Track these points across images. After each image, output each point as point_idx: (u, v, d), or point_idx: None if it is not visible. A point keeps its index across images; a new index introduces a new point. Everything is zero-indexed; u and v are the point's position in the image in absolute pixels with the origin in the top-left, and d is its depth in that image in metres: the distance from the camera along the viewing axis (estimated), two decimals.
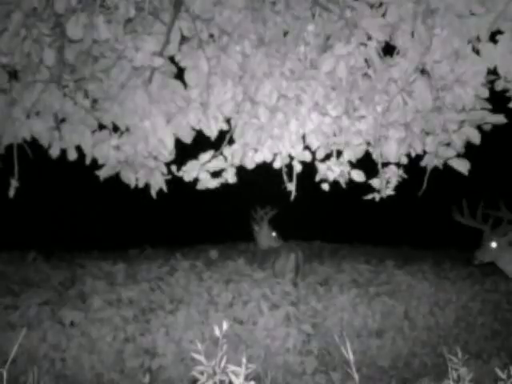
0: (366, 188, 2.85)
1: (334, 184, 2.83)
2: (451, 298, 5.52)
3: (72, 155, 2.77)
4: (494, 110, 2.64)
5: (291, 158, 2.84)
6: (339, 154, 2.85)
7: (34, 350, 4.12)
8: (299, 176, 2.84)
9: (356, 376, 2.14)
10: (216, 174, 2.81)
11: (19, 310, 4.47)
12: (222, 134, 2.80)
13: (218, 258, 7.01)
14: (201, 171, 2.76)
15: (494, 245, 5.15)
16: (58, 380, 4.05)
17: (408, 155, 2.85)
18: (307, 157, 2.83)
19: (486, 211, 5.34)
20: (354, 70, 2.65)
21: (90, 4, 2.44)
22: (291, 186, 2.83)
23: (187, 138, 2.77)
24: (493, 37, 2.46)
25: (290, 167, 2.84)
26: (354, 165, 2.85)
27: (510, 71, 2.46)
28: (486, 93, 2.58)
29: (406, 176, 2.86)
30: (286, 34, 2.73)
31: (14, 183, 2.67)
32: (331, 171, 2.78)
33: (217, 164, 2.78)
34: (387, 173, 2.84)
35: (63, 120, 2.74)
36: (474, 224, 5.32)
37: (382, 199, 2.87)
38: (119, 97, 2.65)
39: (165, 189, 2.82)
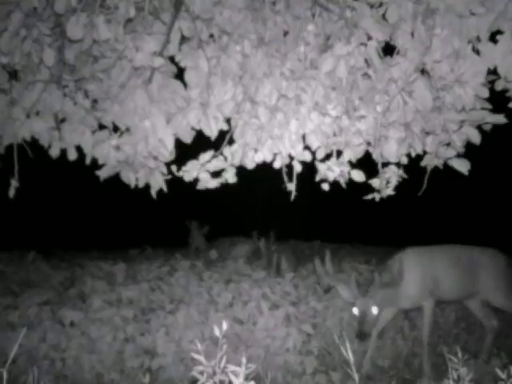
0: (366, 188, 2.85)
1: (334, 184, 2.83)
2: None
3: (72, 155, 2.77)
4: (494, 110, 2.63)
5: (291, 158, 2.84)
6: (339, 153, 2.85)
7: (34, 349, 4.12)
8: (299, 176, 2.83)
9: (356, 376, 2.14)
10: (216, 174, 2.81)
11: (19, 309, 4.47)
12: (222, 134, 2.80)
13: (217, 258, 7.02)
14: (201, 171, 2.76)
15: (374, 311, 4.26)
16: (58, 380, 4.05)
17: (408, 155, 2.86)
18: (307, 157, 2.83)
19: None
20: (354, 69, 2.65)
21: (90, 4, 2.44)
22: (291, 186, 2.83)
23: (187, 138, 2.77)
24: (493, 37, 2.46)
25: (290, 167, 2.84)
26: (354, 165, 2.85)
27: (510, 71, 2.46)
28: (486, 93, 2.58)
29: (406, 176, 2.86)
30: (286, 34, 2.73)
31: (14, 183, 2.67)
32: (331, 171, 2.77)
33: (217, 164, 2.78)
34: (387, 173, 2.84)
35: (63, 120, 2.74)
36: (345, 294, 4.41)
37: (382, 199, 2.87)
38: (119, 97, 2.65)
39: (165, 189, 2.82)
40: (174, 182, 2.82)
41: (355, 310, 4.28)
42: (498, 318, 4.84)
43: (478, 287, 4.73)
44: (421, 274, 4.55)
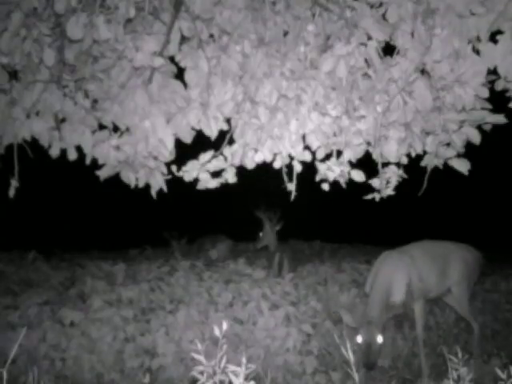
0: (366, 188, 2.85)
1: (334, 184, 2.83)
2: None
3: (72, 155, 2.77)
4: (494, 110, 2.63)
5: (291, 157, 2.84)
6: (339, 153, 2.85)
7: (34, 350, 4.12)
8: (299, 176, 2.83)
9: (356, 376, 2.15)
10: (216, 174, 2.81)
11: (19, 310, 4.48)
12: (222, 134, 2.80)
13: (217, 258, 7.03)
14: (201, 171, 2.76)
15: (380, 340, 4.11)
16: (58, 380, 4.05)
17: (408, 155, 2.86)
18: (307, 157, 2.83)
19: None
20: (354, 69, 2.65)
21: (90, 4, 2.44)
22: (291, 186, 2.83)
23: (187, 138, 2.77)
24: (493, 37, 2.46)
25: (290, 167, 2.84)
26: (354, 165, 2.85)
27: (510, 71, 2.46)
28: (486, 93, 2.58)
29: (406, 176, 2.86)
30: (286, 34, 2.73)
31: (14, 183, 2.67)
32: (331, 171, 2.77)
33: (217, 164, 2.78)
34: (387, 173, 2.84)
35: (63, 120, 2.74)
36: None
37: (382, 199, 2.87)
38: (119, 97, 2.65)
39: (165, 189, 2.82)
40: (174, 182, 2.82)
41: (359, 339, 4.13)
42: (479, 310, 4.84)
43: (449, 282, 4.77)
44: (407, 277, 4.52)
